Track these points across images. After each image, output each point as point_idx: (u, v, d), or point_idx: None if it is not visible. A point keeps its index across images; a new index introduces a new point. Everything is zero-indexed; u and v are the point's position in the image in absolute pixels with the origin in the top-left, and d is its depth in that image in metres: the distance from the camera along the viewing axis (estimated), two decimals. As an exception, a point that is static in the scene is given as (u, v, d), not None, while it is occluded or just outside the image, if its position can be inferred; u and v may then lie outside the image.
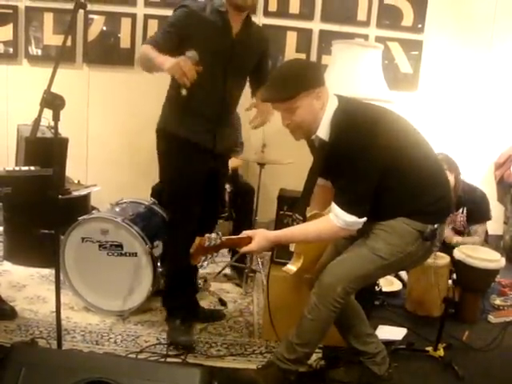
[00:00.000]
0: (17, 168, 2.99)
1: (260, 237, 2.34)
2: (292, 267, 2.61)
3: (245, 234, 2.38)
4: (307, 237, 2.41)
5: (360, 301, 2.69)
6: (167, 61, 2.52)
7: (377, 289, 3.45)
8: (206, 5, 2.77)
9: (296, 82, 2.29)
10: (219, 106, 2.87)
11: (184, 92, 2.55)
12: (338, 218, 2.26)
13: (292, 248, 2.59)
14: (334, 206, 2.28)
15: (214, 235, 2.27)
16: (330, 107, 2.33)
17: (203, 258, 2.28)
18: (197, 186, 2.91)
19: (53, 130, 3.49)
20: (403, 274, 3.92)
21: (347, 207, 2.24)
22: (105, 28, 4.76)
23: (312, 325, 2.35)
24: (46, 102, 2.21)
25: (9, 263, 4.02)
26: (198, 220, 2.93)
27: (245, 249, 2.36)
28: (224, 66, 2.78)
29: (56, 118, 2.23)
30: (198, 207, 2.94)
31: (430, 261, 3.32)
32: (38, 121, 2.24)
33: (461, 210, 3.94)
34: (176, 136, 2.85)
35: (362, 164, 2.23)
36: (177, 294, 3.06)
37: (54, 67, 2.31)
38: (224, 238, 2.30)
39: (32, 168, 2.95)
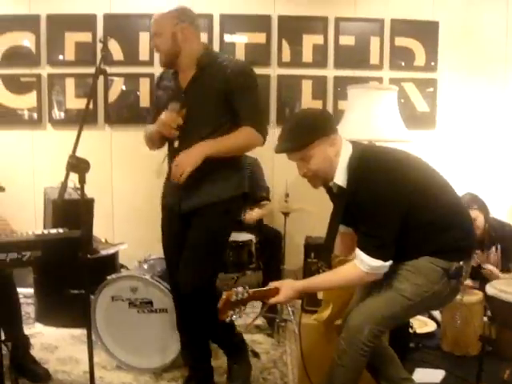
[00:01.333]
0: (45, 231, 3.05)
1: (287, 287, 2.34)
2: (322, 315, 2.59)
3: (272, 285, 2.37)
4: (334, 284, 2.42)
5: (393, 344, 2.66)
6: (157, 125, 2.71)
7: (410, 331, 3.39)
8: (166, 70, 2.93)
9: (308, 131, 2.33)
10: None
11: (176, 144, 2.70)
12: (363, 264, 2.25)
13: (320, 296, 2.58)
14: (358, 251, 2.27)
15: (240, 289, 2.26)
16: (345, 153, 2.36)
17: (231, 312, 2.27)
18: (170, 249, 2.96)
19: (79, 191, 3.58)
20: (437, 313, 3.86)
21: (372, 252, 2.23)
22: (124, 89, 4.91)
23: (343, 371, 2.31)
24: (72, 166, 2.27)
25: (40, 325, 4.05)
26: None
27: (272, 300, 2.35)
28: (183, 127, 2.72)
29: (82, 181, 2.28)
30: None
31: (461, 298, 3.29)
32: (64, 185, 2.31)
33: (494, 249, 3.89)
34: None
35: (382, 210, 2.23)
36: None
37: (78, 132, 2.38)
38: (251, 290, 2.30)
39: (60, 230, 3.00)
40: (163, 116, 2.69)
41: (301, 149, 2.33)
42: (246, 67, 2.78)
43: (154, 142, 2.88)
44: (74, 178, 2.41)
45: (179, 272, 2.80)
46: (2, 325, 2.77)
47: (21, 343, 3.21)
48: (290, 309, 3.77)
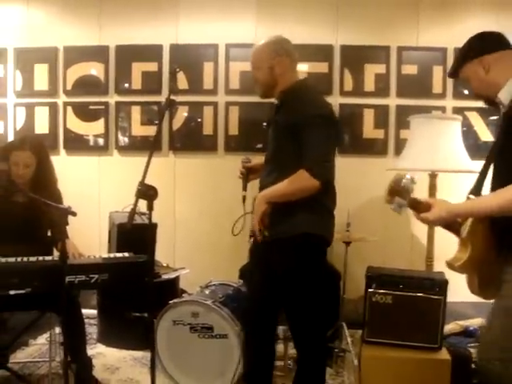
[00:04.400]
0: (112, 255, 3.15)
1: (440, 207, 2.17)
2: (460, 255, 2.26)
3: (425, 200, 2.27)
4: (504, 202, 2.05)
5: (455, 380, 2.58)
6: None
7: (473, 366, 3.30)
8: None
9: (461, 55, 2.35)
10: None
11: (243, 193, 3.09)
12: None
13: (464, 233, 2.33)
14: None
15: (407, 181, 2.23)
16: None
17: (396, 198, 2.22)
18: None
19: (142, 216, 3.67)
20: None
21: None
22: (188, 116, 5.02)
23: None
24: (141, 193, 2.34)
25: (102, 346, 4.13)
26: None
27: (421, 215, 2.22)
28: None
29: (150, 207, 2.35)
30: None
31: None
32: (133, 211, 2.38)
33: None
34: None
35: None
36: None
37: (147, 159, 2.44)
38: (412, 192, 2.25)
39: (126, 255, 3.10)
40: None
41: (454, 73, 2.38)
42: (319, 107, 2.73)
43: None
44: (138, 204, 2.46)
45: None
46: (67, 346, 2.84)
47: (85, 364, 3.30)
48: (349, 339, 3.72)
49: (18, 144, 3.24)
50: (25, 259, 2.95)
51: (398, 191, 2.23)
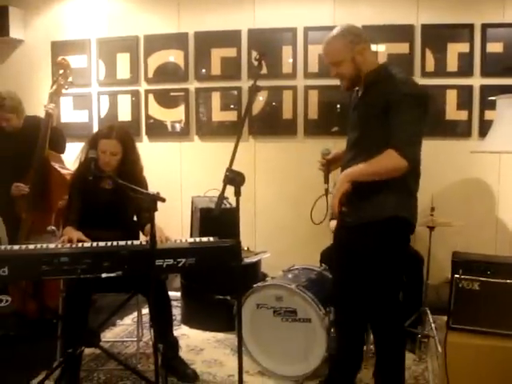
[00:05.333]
0: (197, 239, 3.21)
1: None
2: None
3: None
4: None
5: None
6: None
7: None
8: None
9: None
10: None
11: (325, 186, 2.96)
12: None
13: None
14: None
15: None
16: None
17: None
18: None
19: (224, 201, 3.73)
20: None
21: None
22: (267, 101, 5.03)
23: None
24: (229, 179, 2.36)
25: (186, 327, 4.26)
26: None
27: None
28: (349, 134, 2.89)
29: (237, 193, 2.38)
30: None
31: None
32: (221, 197, 2.41)
33: None
34: None
35: None
36: None
37: (234, 145, 2.47)
38: None
39: (211, 239, 3.16)
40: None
41: None
42: (411, 86, 2.69)
43: None
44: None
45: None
46: (155, 327, 2.94)
47: (171, 344, 3.41)
48: (433, 325, 3.67)
49: (105, 132, 3.34)
50: (115, 243, 3.06)
51: None
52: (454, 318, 3.04)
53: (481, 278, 3.01)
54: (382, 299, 2.82)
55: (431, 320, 3.69)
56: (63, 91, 4.34)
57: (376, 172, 2.63)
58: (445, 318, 3.11)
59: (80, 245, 3.06)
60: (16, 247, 3.09)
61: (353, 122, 2.84)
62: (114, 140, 3.31)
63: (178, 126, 5.30)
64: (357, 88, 2.86)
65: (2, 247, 3.26)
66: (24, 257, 2.87)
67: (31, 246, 3.04)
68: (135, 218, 3.55)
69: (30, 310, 3.99)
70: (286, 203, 5.03)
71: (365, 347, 3.37)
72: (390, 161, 2.58)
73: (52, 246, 3.07)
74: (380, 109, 2.64)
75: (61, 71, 4.31)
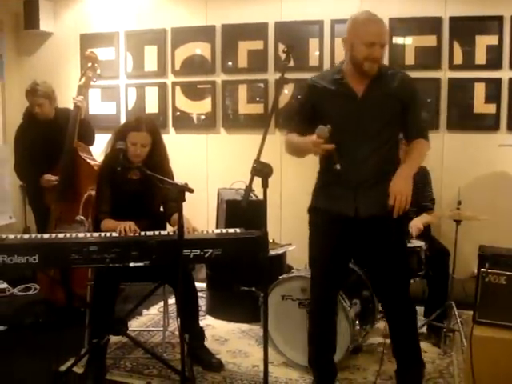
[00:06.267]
0: (224, 231, 3.24)
1: None
2: None
3: None
4: None
5: None
6: (305, 144, 2.71)
7: None
8: (324, 75, 2.92)
9: None
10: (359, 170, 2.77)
11: (338, 166, 2.60)
12: None
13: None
14: None
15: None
16: None
17: None
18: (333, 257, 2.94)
19: (250, 193, 3.75)
20: None
21: None
22: (294, 94, 4.97)
23: None
24: (256, 170, 2.37)
25: (211, 317, 4.30)
26: None
27: None
28: (354, 131, 2.74)
29: (265, 185, 2.38)
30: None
31: None
32: (249, 188, 2.42)
33: None
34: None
35: None
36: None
37: (262, 137, 2.48)
38: None
39: (238, 230, 3.18)
40: (313, 142, 2.63)
41: None
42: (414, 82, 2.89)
43: (298, 155, 2.93)
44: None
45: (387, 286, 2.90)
46: (182, 317, 2.98)
47: (197, 334, 3.45)
48: (458, 319, 3.66)
49: (135, 125, 3.38)
50: (142, 233, 3.11)
51: None
52: (480, 312, 3.03)
53: (507, 273, 3.00)
54: (403, 277, 2.98)
55: (457, 314, 3.68)
56: (91, 84, 4.40)
57: (421, 163, 2.92)
58: (470, 312, 3.11)
59: (109, 234, 3.11)
60: (46, 236, 3.16)
61: (359, 115, 2.74)
62: (145, 132, 3.36)
63: (204, 118, 5.32)
64: (338, 77, 2.78)
65: (33, 236, 3.33)
66: (54, 245, 2.94)
67: (61, 235, 3.10)
68: (161, 209, 3.59)
69: (59, 298, 4.07)
70: (311, 196, 5.02)
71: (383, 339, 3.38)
72: (427, 150, 2.84)
73: (81, 235, 3.13)
74: (399, 102, 2.74)
75: (89, 64, 4.38)
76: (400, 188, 2.64)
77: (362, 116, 2.74)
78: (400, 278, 2.90)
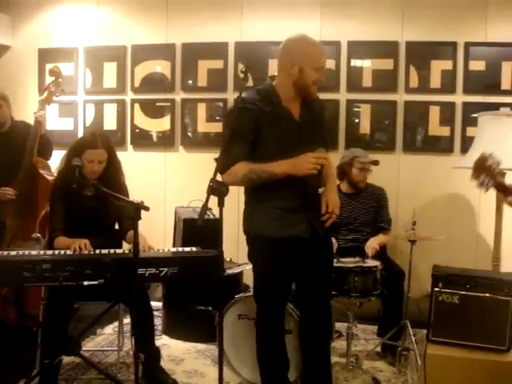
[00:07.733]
0: (180, 249, 3.22)
1: None
2: None
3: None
4: None
5: None
6: (288, 164, 2.63)
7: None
8: (257, 98, 2.76)
9: None
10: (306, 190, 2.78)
11: (321, 190, 2.80)
12: None
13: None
14: None
15: (496, 160, 2.33)
16: None
17: (482, 177, 2.31)
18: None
19: (207, 211, 3.74)
20: None
21: None
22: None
23: None
24: (213, 189, 2.37)
25: (167, 337, 4.24)
26: None
27: (509, 199, 2.37)
28: (297, 155, 2.66)
29: (221, 204, 2.38)
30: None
31: None
32: (205, 207, 2.41)
33: None
34: None
35: None
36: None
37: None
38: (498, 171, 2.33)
39: (194, 249, 3.16)
40: (308, 158, 2.62)
41: None
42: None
43: (270, 179, 2.69)
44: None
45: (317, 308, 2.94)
46: (137, 336, 2.93)
47: (153, 354, 3.39)
48: (413, 338, 3.70)
49: (91, 142, 3.30)
50: (97, 251, 3.07)
51: (484, 169, 2.31)
52: (433, 331, 3.08)
53: (460, 292, 3.06)
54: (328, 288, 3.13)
55: (411, 333, 3.71)
56: (54, 98, 4.34)
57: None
58: (425, 331, 3.15)
59: (62, 252, 3.06)
60: (-2, 253, 3.08)
61: (299, 136, 2.75)
62: (101, 149, 3.30)
63: (163, 136, 5.30)
64: (276, 100, 2.77)
65: (-17, 253, 3.24)
66: (5, 263, 2.87)
67: (13, 252, 3.03)
68: (117, 226, 3.55)
69: (10, 318, 3.96)
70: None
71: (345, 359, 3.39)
72: None
73: (34, 252, 3.06)
74: (321, 123, 2.95)
75: (53, 78, 4.31)
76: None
77: (302, 139, 2.75)
78: (327, 289, 3.03)
